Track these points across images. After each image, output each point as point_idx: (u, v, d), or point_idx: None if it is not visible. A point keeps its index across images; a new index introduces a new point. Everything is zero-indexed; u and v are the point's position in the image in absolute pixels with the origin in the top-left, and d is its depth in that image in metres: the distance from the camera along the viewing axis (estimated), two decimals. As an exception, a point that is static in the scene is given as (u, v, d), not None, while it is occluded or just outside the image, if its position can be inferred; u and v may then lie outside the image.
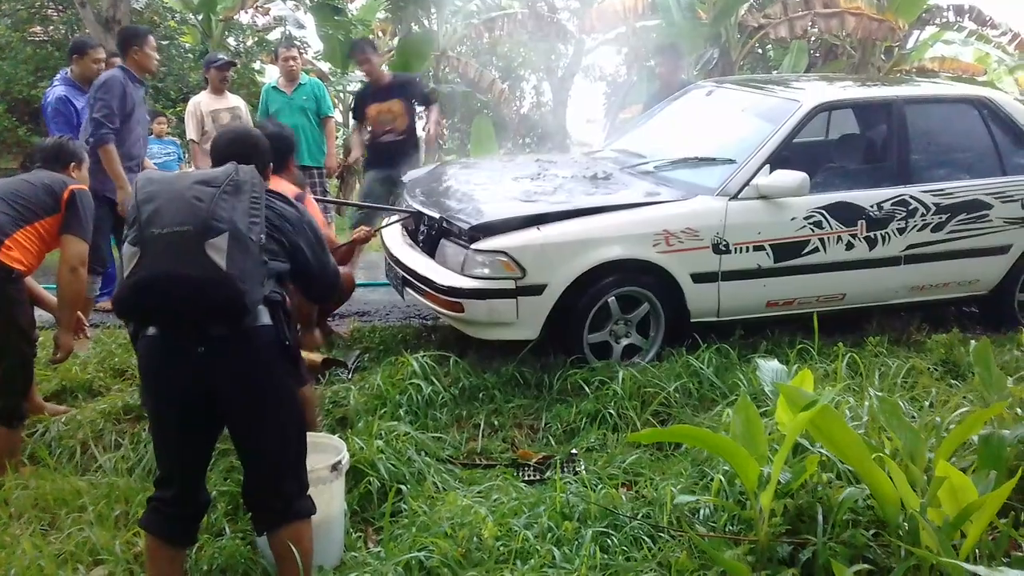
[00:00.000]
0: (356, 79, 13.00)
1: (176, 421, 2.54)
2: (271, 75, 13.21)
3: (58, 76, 6.21)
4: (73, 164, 4.01)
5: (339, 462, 3.04)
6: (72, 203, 3.72)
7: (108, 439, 3.92)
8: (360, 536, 3.24)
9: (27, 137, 10.34)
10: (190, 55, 12.32)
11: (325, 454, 3.08)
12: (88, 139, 5.20)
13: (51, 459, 3.75)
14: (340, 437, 3.37)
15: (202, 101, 6.99)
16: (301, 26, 13.15)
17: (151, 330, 2.48)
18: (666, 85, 7.28)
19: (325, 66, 12.98)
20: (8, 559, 2.93)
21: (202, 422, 2.56)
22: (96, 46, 6.10)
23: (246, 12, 13.19)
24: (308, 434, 2.76)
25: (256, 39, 13.37)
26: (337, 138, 8.33)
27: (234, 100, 7.16)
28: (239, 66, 12.04)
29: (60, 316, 3.86)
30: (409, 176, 5.99)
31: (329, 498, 2.98)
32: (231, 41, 13.01)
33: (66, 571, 2.88)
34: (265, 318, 2.50)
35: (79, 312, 4.01)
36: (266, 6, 13.75)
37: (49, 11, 11.77)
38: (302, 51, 12.71)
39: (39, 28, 11.73)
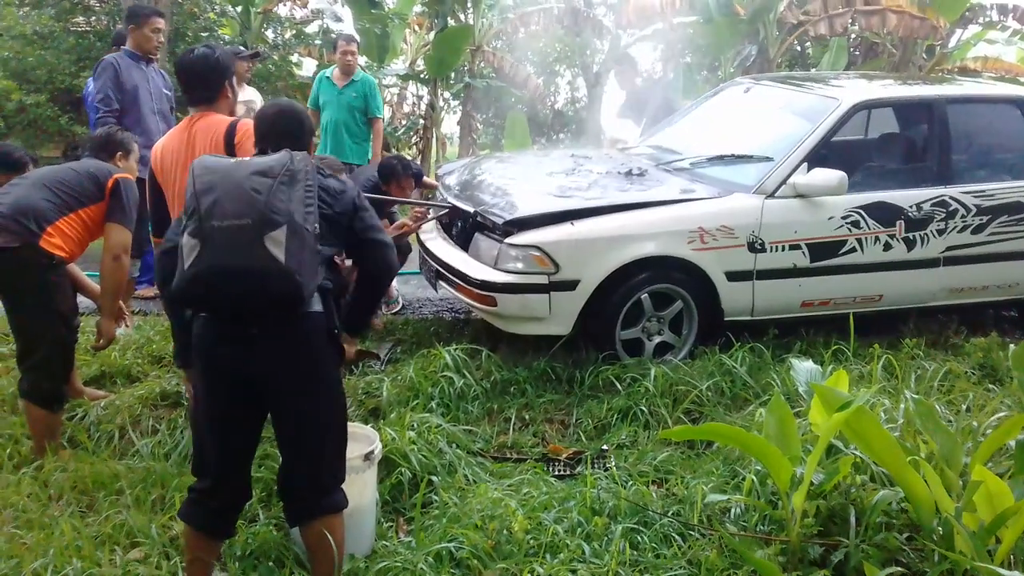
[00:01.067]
0: (391, 72, 13.05)
1: (224, 403, 2.57)
2: (308, 68, 13.29)
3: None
4: (120, 153, 4.08)
5: (372, 452, 3.07)
6: (116, 192, 3.78)
7: (145, 424, 3.98)
8: (391, 526, 3.27)
9: (68, 126, 10.48)
10: (229, 47, 12.40)
11: (358, 443, 3.10)
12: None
13: (90, 443, 3.82)
14: (372, 427, 3.40)
15: None
16: (338, 19, 13.20)
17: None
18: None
19: (361, 59, 13.03)
20: (47, 540, 2.99)
21: (249, 407, 2.58)
22: None
23: (284, 5, 13.26)
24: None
25: (294, 32, 13.45)
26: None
27: (250, 92, 7.19)
28: (278, 59, 12.12)
29: (102, 303, 3.92)
30: (444, 169, 6.01)
31: (362, 487, 3.01)
32: (269, 34, 13.10)
33: (104, 553, 2.93)
34: (317, 305, 2.53)
35: (120, 300, 4.07)
36: (304, -1, 13.81)
37: (91, 1, 11.90)
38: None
39: (81, 18, 11.85)
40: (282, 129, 2.70)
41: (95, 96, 5.53)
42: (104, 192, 3.77)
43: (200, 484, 2.64)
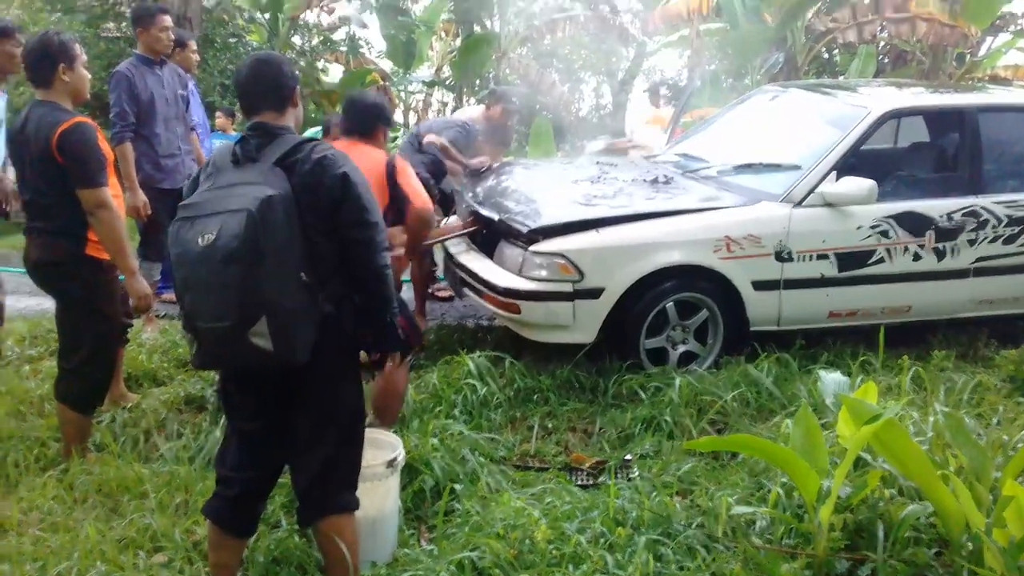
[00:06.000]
0: (418, 79, 13.10)
1: (235, 390, 2.62)
2: (334, 74, 13.37)
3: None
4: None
5: (395, 459, 3.06)
6: (64, 153, 3.54)
7: (170, 428, 4.01)
8: (413, 533, 3.26)
9: (99, 130, 10.64)
10: (258, 53, 12.50)
11: (381, 450, 3.11)
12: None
13: (115, 446, 3.83)
14: (395, 434, 3.39)
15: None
16: (364, 25, 13.30)
17: None
18: (496, 129, 6.50)
19: (387, 64, 13.11)
20: (72, 543, 3.00)
21: (252, 394, 2.60)
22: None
23: (312, 11, 13.38)
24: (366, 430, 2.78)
25: (322, 38, 13.55)
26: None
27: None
28: (305, 65, 12.18)
29: (118, 264, 3.68)
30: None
31: (384, 494, 3.01)
32: (297, 40, 13.21)
33: (128, 556, 2.94)
34: (327, 306, 2.49)
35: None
36: (331, 5, 13.93)
37: (122, 8, 12.06)
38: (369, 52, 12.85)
39: (112, 24, 12.00)
40: (259, 85, 2.53)
41: (112, 111, 5.27)
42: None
43: (219, 473, 2.67)
